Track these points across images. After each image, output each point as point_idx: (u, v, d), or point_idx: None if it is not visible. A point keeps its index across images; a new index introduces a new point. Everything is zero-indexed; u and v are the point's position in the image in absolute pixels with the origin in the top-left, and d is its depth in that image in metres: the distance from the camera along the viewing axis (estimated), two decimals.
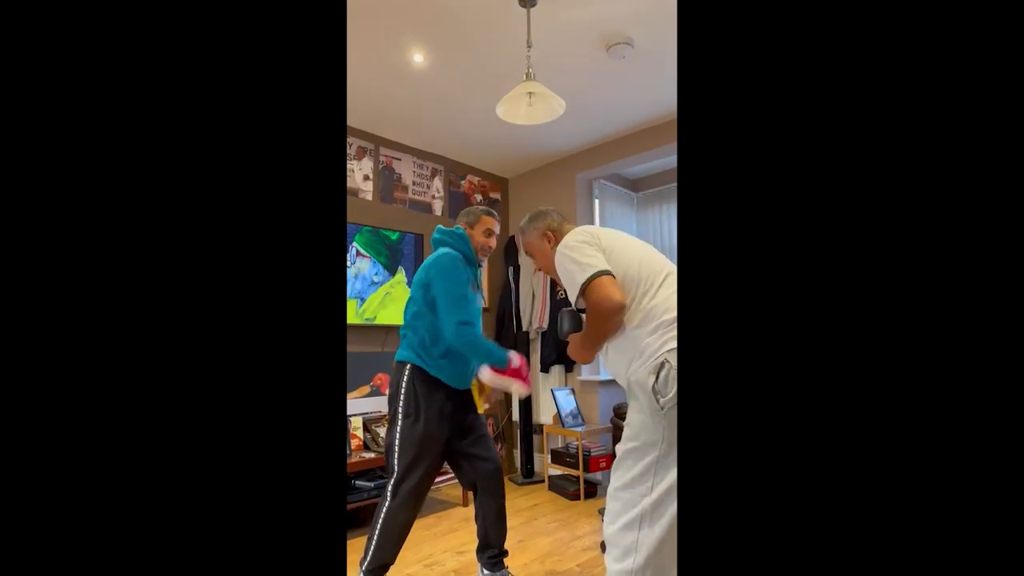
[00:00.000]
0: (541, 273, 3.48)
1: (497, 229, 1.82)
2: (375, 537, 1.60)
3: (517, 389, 1.66)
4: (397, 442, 1.63)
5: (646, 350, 1.17)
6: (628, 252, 1.25)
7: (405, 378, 1.66)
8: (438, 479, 2.88)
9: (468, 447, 1.73)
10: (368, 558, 1.59)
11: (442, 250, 1.70)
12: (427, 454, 1.63)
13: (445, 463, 1.77)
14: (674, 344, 1.15)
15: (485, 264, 1.73)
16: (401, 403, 1.65)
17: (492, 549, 1.75)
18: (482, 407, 1.87)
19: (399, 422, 1.65)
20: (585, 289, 1.17)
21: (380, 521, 1.60)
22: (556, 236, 1.41)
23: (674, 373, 1.13)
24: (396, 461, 1.63)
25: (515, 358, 1.66)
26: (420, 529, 2.50)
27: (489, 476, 1.72)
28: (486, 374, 1.63)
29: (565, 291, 1.33)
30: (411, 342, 1.68)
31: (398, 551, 1.63)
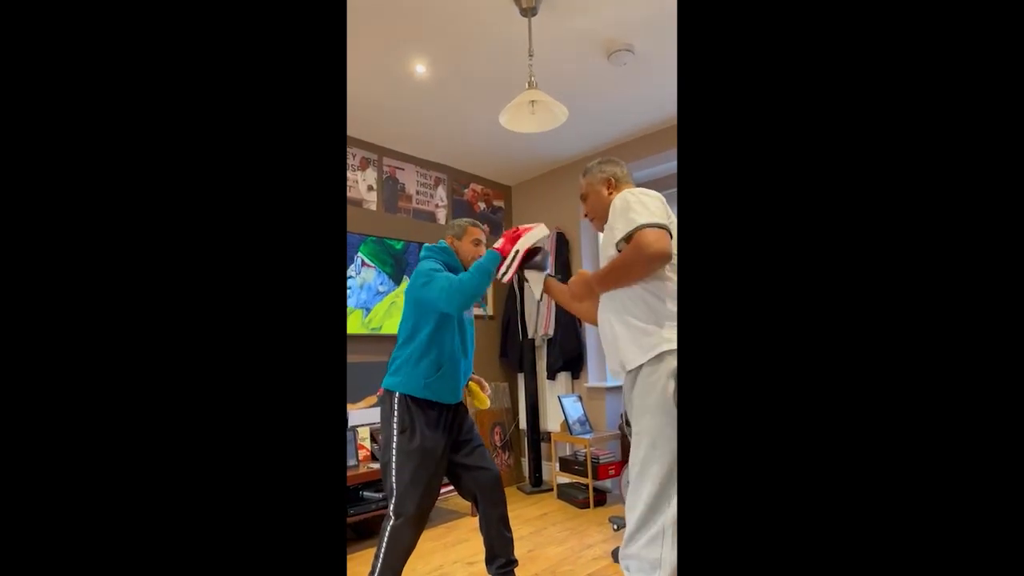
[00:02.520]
0: None
1: (484, 237, 1.82)
2: (380, 557, 1.61)
3: (534, 236, 1.57)
4: (394, 460, 1.62)
5: (653, 337, 1.18)
6: None
7: (396, 400, 1.67)
8: (444, 490, 2.86)
9: (465, 458, 1.74)
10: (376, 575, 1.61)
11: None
12: (427, 468, 1.62)
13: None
14: None
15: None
16: (396, 420, 1.65)
17: (500, 559, 1.76)
18: (486, 403, 1.85)
19: (395, 439, 1.64)
20: (639, 229, 1.16)
21: (384, 542, 1.60)
22: (617, 187, 1.42)
23: None
24: (395, 480, 1.62)
25: (499, 244, 1.62)
26: (430, 540, 2.48)
27: (489, 485, 1.73)
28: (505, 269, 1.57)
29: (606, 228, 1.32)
30: (399, 369, 1.68)
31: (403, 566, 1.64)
